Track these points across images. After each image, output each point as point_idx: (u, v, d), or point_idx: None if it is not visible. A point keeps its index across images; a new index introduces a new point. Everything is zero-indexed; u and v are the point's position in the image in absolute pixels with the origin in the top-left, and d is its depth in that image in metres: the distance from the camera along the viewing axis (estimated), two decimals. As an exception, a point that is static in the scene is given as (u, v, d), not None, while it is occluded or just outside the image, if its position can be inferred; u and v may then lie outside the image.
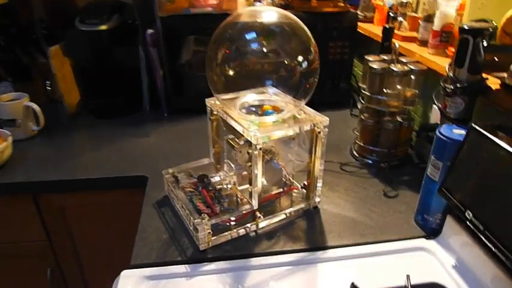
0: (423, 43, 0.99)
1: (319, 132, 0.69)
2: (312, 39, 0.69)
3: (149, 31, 1.10)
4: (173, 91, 1.17)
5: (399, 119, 0.89)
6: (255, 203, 0.69)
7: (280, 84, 0.73)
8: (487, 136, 0.57)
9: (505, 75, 0.66)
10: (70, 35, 1.14)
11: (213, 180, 0.77)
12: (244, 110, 0.74)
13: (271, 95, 0.77)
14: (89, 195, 0.92)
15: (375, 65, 0.85)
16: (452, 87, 0.69)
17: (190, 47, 1.12)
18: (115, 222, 0.97)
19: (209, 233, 0.66)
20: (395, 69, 0.84)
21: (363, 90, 0.90)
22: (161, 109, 1.20)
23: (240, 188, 0.75)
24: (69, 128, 1.13)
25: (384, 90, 0.86)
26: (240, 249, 0.68)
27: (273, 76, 0.73)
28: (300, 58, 0.70)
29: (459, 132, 0.65)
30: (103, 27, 1.08)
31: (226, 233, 0.68)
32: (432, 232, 0.71)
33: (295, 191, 0.80)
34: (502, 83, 0.66)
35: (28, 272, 1.02)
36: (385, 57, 0.90)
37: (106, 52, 1.13)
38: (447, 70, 0.71)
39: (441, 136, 0.65)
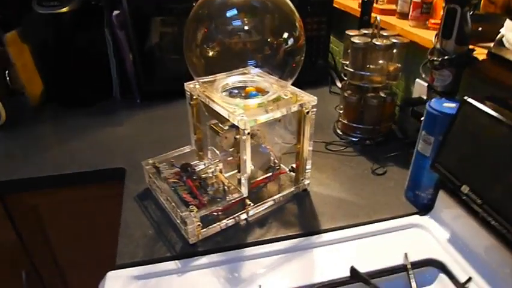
0: (403, 16, 0.97)
1: (307, 113, 0.66)
2: (297, 14, 0.65)
3: (116, 12, 1.02)
4: (145, 76, 1.10)
5: (382, 94, 0.87)
6: (244, 190, 0.66)
7: (264, 64, 0.69)
8: (481, 108, 0.55)
9: (491, 45, 0.65)
10: (28, 19, 1.03)
11: (197, 168, 0.73)
12: (225, 93, 0.69)
13: (254, 75, 0.73)
14: (62, 192, 0.86)
15: (357, 40, 0.82)
16: (440, 60, 0.67)
17: (157, 28, 1.05)
18: (94, 220, 0.91)
19: (198, 225, 0.62)
20: (377, 43, 0.81)
21: (346, 66, 0.87)
22: (133, 95, 1.13)
23: (226, 175, 0.71)
24: (34, 121, 1.04)
25: (367, 65, 0.84)
26: (232, 240, 0.65)
27: (257, 56, 0.68)
28: (285, 35, 0.65)
29: (449, 106, 0.64)
30: (64, 9, 0.99)
31: (215, 224, 0.65)
32: (424, 208, 0.70)
33: (283, 174, 0.77)
34: (489, 53, 0.65)
35: (0, 277, 0.96)
36: (366, 32, 0.88)
37: (69, 37, 1.04)
38: (433, 42, 0.69)
39: (432, 110, 0.64)
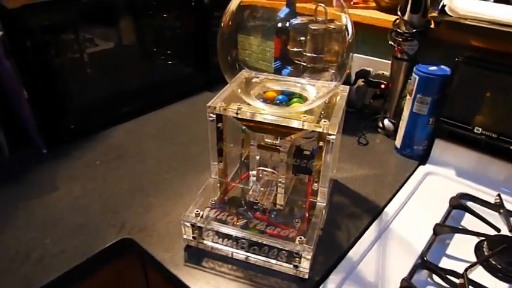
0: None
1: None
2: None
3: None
4: (51, 113, 0.80)
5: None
6: (323, 199, 0.61)
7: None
8: (476, 64, 0.69)
9: (436, 13, 0.80)
10: None
11: (251, 199, 0.62)
12: (264, 103, 0.60)
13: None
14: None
15: (316, 27, 0.85)
16: (411, 32, 0.78)
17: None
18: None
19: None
20: (333, 26, 0.86)
21: (304, 52, 0.89)
22: (32, 146, 0.81)
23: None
24: None
25: (324, 48, 0.88)
26: (329, 253, 0.59)
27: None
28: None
29: (434, 69, 0.76)
30: None
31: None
32: (422, 158, 0.83)
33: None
34: (435, 22, 0.80)
35: None
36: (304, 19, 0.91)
37: None
38: (400, 16, 0.80)
39: (426, 75, 0.74)
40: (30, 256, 0.58)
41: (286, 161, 0.59)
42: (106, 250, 0.59)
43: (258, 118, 0.57)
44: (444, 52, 0.82)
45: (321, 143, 0.56)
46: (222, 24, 0.60)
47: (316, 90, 0.65)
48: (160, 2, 1.01)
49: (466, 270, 0.56)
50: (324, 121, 0.54)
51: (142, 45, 1.03)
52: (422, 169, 0.80)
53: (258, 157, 0.61)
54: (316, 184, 0.60)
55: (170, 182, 0.74)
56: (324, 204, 0.61)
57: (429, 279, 0.58)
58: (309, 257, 0.53)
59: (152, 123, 0.95)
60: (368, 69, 0.97)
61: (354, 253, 0.60)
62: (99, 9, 0.89)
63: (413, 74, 0.77)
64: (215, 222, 0.57)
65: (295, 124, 0.55)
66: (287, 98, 0.63)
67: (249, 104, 0.59)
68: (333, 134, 0.54)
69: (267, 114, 0.57)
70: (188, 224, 0.57)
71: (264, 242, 0.54)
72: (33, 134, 0.80)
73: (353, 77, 0.99)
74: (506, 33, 0.72)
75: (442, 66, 0.76)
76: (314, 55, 0.88)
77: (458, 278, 0.56)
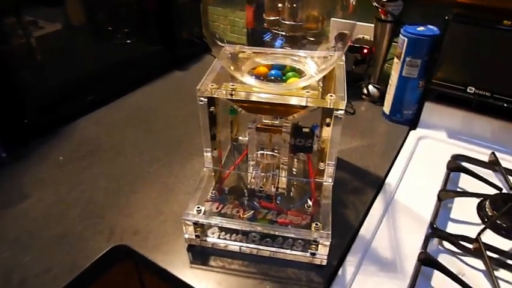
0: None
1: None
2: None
3: None
4: (3, 110, 0.69)
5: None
6: (330, 178, 0.57)
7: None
8: (467, 23, 0.67)
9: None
10: None
11: (253, 186, 0.56)
12: (257, 79, 0.54)
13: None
14: None
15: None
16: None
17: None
18: None
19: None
20: (312, -11, 0.79)
21: (283, 20, 0.82)
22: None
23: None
24: None
25: (303, 15, 0.82)
26: (341, 234, 0.56)
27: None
28: None
29: (422, 29, 0.73)
30: None
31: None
32: (412, 122, 0.81)
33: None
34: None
35: None
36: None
37: None
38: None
39: (416, 36, 0.71)
40: (10, 279, 0.50)
41: (289, 142, 0.54)
42: (98, 262, 0.52)
43: (255, 98, 0.51)
44: (428, 11, 0.79)
45: (327, 120, 0.51)
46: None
47: (311, 62, 0.59)
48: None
49: (479, 234, 0.55)
50: (331, 95, 0.50)
51: (94, 24, 0.92)
52: (413, 134, 0.79)
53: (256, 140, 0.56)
54: (322, 163, 0.55)
55: (156, 175, 0.67)
56: (332, 183, 0.57)
57: (440, 247, 0.58)
58: (328, 243, 0.49)
59: (123, 110, 0.86)
60: (346, 32, 0.92)
61: (365, 231, 0.58)
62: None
63: (401, 35, 0.74)
64: (219, 217, 0.52)
65: (297, 101, 0.50)
66: (280, 72, 0.57)
67: (242, 83, 0.53)
68: (342, 109, 0.49)
69: (265, 93, 0.51)
70: (190, 223, 0.51)
71: (278, 233, 0.50)
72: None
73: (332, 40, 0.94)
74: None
75: (430, 26, 0.73)
76: (293, 23, 0.83)
77: (471, 243, 0.56)
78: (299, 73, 0.57)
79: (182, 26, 1.04)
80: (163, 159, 0.71)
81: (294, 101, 0.50)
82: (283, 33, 0.83)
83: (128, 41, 1.02)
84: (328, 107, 0.49)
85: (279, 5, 0.81)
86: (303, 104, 0.50)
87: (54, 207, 0.61)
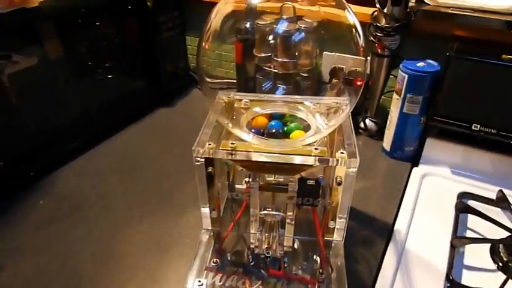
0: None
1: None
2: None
3: None
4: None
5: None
6: (341, 236, 0.52)
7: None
8: (470, 59, 0.64)
9: (413, 3, 0.74)
10: None
11: (258, 251, 0.51)
12: (254, 132, 0.49)
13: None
14: None
15: (285, 28, 0.74)
16: (395, 26, 0.71)
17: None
18: None
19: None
20: (304, 26, 0.76)
21: (275, 57, 0.78)
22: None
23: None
24: None
25: (295, 52, 0.78)
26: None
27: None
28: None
29: (422, 65, 0.70)
30: None
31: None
32: (413, 159, 0.78)
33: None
34: (412, 12, 0.74)
35: None
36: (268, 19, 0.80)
37: None
38: (379, 8, 0.72)
39: (416, 73, 0.69)
40: None
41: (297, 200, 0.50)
42: None
43: (259, 158, 0.46)
44: (426, 44, 0.77)
45: (338, 178, 0.47)
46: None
47: (312, 105, 0.55)
48: (90, 8, 0.84)
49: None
50: (342, 153, 0.45)
51: (73, 58, 0.86)
52: (417, 171, 0.76)
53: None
54: (332, 222, 0.51)
55: (148, 234, 0.61)
56: (343, 241, 0.53)
57: (458, 302, 0.54)
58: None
59: (107, 157, 0.80)
60: (342, 66, 0.89)
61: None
62: (14, 22, 0.71)
63: (401, 72, 0.71)
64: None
65: (306, 161, 0.46)
66: (281, 123, 0.53)
67: (242, 140, 0.48)
68: (355, 167, 0.45)
69: (270, 152, 0.46)
70: (191, 299, 0.46)
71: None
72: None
73: (326, 76, 0.91)
74: (490, 20, 0.68)
75: (429, 61, 0.71)
76: (286, 60, 0.79)
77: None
78: (297, 121, 0.53)
79: (167, 59, 0.99)
80: (155, 213, 0.65)
81: (301, 160, 0.46)
82: (276, 71, 0.79)
83: (110, 76, 0.96)
84: (340, 165, 0.45)
85: (271, 41, 0.78)
86: (313, 163, 0.46)
87: (34, 281, 0.54)
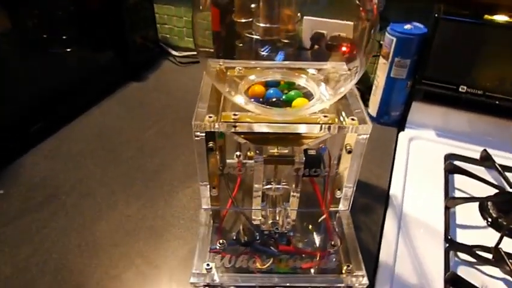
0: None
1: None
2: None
3: None
4: None
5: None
6: (347, 206, 0.51)
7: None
8: (459, 20, 0.64)
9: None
10: None
11: (264, 227, 0.49)
12: (255, 103, 0.46)
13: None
14: None
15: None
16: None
17: None
18: None
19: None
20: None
21: (257, 22, 0.73)
22: None
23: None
24: None
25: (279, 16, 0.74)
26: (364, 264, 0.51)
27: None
28: None
29: (409, 27, 0.69)
30: None
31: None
32: (398, 123, 0.78)
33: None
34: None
35: None
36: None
37: None
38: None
39: (404, 35, 0.67)
40: None
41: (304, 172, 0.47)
42: None
43: (265, 129, 0.43)
44: (410, 7, 0.75)
45: (348, 147, 0.45)
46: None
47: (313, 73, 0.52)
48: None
49: (498, 244, 0.54)
50: (352, 119, 0.43)
51: (23, 32, 0.76)
52: (403, 135, 0.76)
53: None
54: (339, 191, 0.49)
55: (138, 219, 0.57)
56: (348, 210, 0.52)
57: (456, 259, 0.55)
58: (366, 283, 0.44)
59: (79, 138, 0.72)
60: (322, 31, 0.86)
61: (385, 255, 0.53)
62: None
63: (388, 35, 0.69)
64: (234, 274, 0.44)
65: (316, 130, 0.43)
66: (278, 90, 0.50)
67: (244, 111, 0.44)
68: (367, 134, 0.43)
69: (275, 122, 0.43)
70: (201, 286, 0.43)
71: (308, 285, 0.43)
72: None
73: (307, 42, 0.88)
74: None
75: (416, 24, 0.70)
76: (269, 25, 0.75)
77: (490, 253, 0.54)
78: (299, 90, 0.50)
79: (134, 29, 0.91)
80: (143, 196, 0.60)
81: (311, 129, 0.43)
82: (258, 37, 0.75)
83: (69, 50, 0.86)
84: (352, 133, 0.43)
85: (252, 5, 0.73)
86: (323, 131, 0.43)
87: (14, 280, 0.48)
